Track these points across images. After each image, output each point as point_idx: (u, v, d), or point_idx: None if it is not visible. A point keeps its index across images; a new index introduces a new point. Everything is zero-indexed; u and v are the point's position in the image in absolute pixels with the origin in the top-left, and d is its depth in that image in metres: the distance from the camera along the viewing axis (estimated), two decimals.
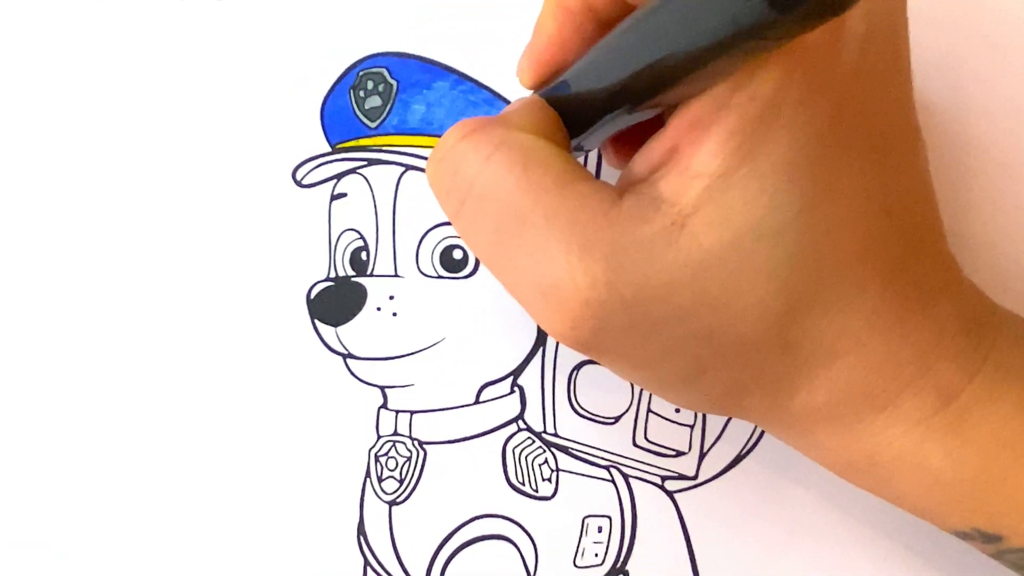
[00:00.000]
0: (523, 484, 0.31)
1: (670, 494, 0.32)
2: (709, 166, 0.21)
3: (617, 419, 0.32)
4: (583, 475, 0.31)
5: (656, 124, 0.24)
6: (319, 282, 0.32)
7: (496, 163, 0.23)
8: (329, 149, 0.33)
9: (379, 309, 0.32)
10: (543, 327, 0.23)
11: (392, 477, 0.31)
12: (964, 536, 0.26)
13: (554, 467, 0.31)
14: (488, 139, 0.23)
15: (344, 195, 0.32)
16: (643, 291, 0.22)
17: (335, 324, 0.32)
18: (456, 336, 0.32)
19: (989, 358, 0.25)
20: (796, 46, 0.21)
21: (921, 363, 0.24)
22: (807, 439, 0.26)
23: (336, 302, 0.32)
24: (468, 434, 0.32)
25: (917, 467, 0.24)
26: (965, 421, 0.24)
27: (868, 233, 0.23)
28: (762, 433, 0.31)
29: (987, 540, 0.25)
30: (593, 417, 0.32)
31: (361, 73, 0.33)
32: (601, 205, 0.22)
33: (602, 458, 0.31)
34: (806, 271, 0.22)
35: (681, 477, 0.31)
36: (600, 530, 0.31)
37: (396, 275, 0.32)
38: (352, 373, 0.32)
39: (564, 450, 0.32)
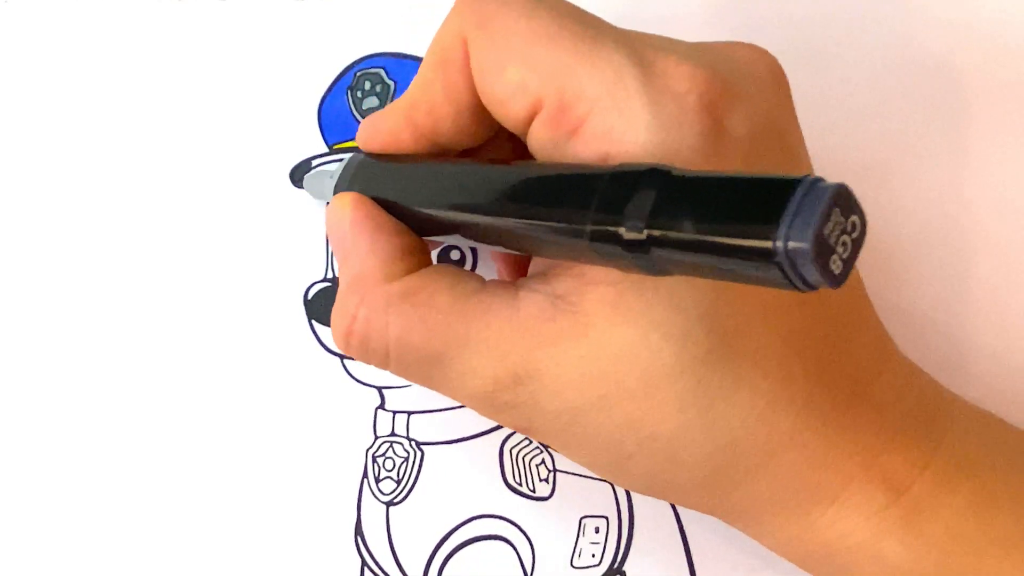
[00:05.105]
0: (520, 484, 0.31)
1: None
2: (601, 274, 0.22)
3: None
4: (580, 475, 0.31)
5: None
6: (316, 283, 0.32)
7: (395, 327, 0.24)
8: (327, 150, 0.33)
9: None
10: (483, 415, 0.25)
11: (389, 477, 0.31)
12: None
13: (551, 467, 0.31)
14: (375, 309, 0.25)
15: None
16: (561, 382, 0.23)
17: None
18: None
19: (940, 448, 0.24)
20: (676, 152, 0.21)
21: (865, 455, 0.24)
22: (757, 528, 0.26)
23: (333, 303, 0.32)
24: (465, 434, 0.32)
25: (875, 559, 0.24)
26: (919, 515, 0.24)
27: (785, 325, 0.23)
28: None
29: None
30: None
31: (359, 73, 0.33)
32: (502, 312, 0.23)
33: None
34: (721, 369, 0.22)
35: None
36: (597, 531, 0.31)
37: None
38: (349, 373, 0.32)
39: None
